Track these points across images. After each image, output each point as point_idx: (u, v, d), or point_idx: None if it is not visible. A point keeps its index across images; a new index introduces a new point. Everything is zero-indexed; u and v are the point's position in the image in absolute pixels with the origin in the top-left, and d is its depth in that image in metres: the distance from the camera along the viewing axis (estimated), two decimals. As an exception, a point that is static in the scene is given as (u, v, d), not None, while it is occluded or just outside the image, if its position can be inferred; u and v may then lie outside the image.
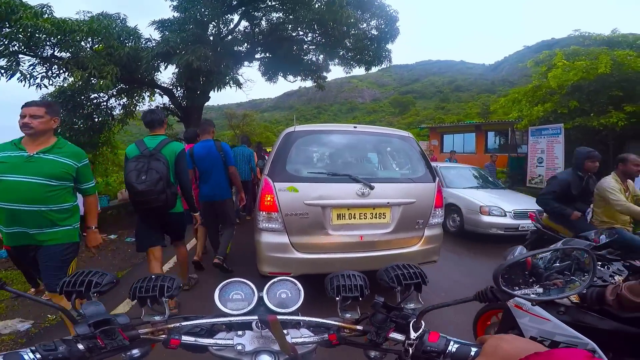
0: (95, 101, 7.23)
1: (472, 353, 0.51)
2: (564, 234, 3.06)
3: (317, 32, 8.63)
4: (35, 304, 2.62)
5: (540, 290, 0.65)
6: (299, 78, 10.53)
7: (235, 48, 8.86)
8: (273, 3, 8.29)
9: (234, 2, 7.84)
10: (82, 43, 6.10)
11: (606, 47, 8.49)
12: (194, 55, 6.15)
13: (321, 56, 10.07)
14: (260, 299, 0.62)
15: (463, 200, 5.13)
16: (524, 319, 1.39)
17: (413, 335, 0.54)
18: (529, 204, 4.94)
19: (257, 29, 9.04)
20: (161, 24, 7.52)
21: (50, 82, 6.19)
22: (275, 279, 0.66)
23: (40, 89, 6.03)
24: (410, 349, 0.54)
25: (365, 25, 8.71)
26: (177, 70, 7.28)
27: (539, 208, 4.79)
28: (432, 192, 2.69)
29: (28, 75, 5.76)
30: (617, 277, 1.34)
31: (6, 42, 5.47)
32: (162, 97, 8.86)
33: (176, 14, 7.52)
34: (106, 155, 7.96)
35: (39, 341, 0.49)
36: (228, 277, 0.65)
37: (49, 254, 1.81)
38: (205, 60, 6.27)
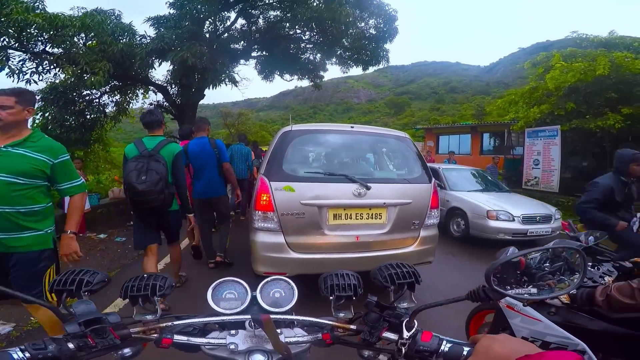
0: (87, 98, 7.14)
1: (465, 353, 0.51)
2: (604, 246, 2.91)
3: (315, 30, 8.59)
4: (17, 307, 2.55)
5: (533, 290, 0.66)
6: (296, 77, 10.51)
7: (232, 46, 8.81)
8: (271, 1, 8.25)
9: (231, 0, 7.80)
10: (75, 39, 6.02)
11: (604, 49, 8.50)
12: (189, 52, 6.10)
13: (318, 55, 10.06)
14: (254, 298, 0.61)
15: (468, 204, 4.92)
16: (516, 319, 1.39)
17: (406, 334, 0.54)
18: (537, 208, 4.84)
19: (254, 27, 8.99)
20: (156, 21, 7.45)
21: (40, 78, 6.13)
22: (268, 278, 0.65)
23: (30, 84, 5.96)
24: (403, 349, 0.54)
25: (363, 24, 8.71)
26: (171, 67, 7.23)
27: (548, 213, 4.75)
28: (428, 193, 2.70)
29: (17, 71, 5.67)
30: (607, 278, 1.35)
31: (-4, 37, 5.39)
32: (156, 94, 8.81)
33: (172, 11, 7.46)
34: (98, 153, 7.85)
35: (19, 344, 0.49)
36: (221, 276, 0.64)
37: (18, 262, 1.62)
38: (200, 57, 6.22)
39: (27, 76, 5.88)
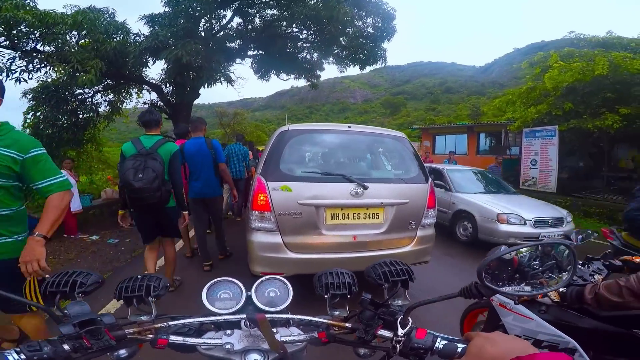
0: (80, 97, 7.02)
1: (459, 350, 0.52)
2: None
3: (312, 29, 8.51)
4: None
5: (527, 287, 0.67)
6: (292, 76, 10.46)
7: (228, 44, 8.72)
8: (267, -1, 8.19)
9: (227, -2, 7.73)
10: (67, 37, 5.91)
11: (601, 49, 8.46)
12: (184, 50, 6.02)
13: (315, 54, 10.01)
14: (249, 297, 0.62)
15: (476, 207, 4.72)
16: (508, 317, 1.40)
17: (400, 332, 0.55)
18: (548, 211, 4.72)
19: (250, 26, 8.92)
20: (151, 19, 7.35)
21: (30, 77, 5.98)
22: (263, 278, 0.66)
23: (20, 83, 5.81)
24: (398, 346, 0.55)
25: (361, 22, 8.64)
26: (166, 65, 7.14)
27: (559, 216, 4.61)
28: (425, 193, 2.72)
29: (5, 69, 5.55)
30: (597, 276, 1.36)
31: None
32: (150, 93, 8.68)
33: (167, 9, 7.37)
34: (91, 153, 7.74)
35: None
36: (215, 276, 0.64)
37: None
38: (195, 55, 6.15)
39: (17, 74, 5.74)
